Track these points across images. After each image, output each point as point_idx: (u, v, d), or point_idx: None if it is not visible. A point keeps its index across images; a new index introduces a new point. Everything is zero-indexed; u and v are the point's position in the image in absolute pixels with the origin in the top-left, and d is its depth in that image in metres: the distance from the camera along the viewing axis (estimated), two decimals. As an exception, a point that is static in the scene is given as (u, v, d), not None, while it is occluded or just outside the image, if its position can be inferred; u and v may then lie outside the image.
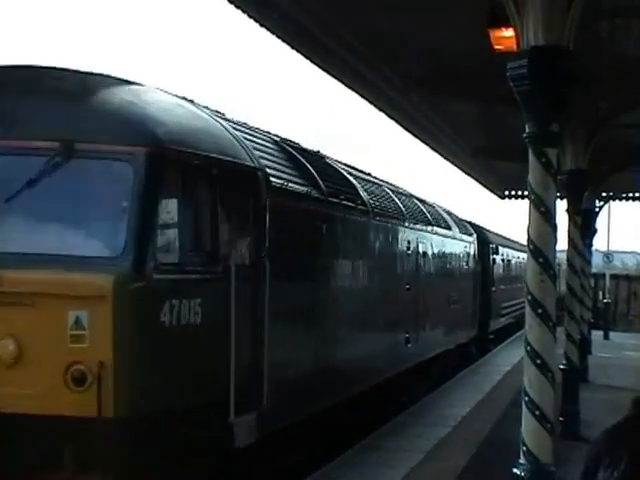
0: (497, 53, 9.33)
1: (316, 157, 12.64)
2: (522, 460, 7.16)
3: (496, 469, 10.24)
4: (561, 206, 13.23)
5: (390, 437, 12.90)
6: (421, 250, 17.00)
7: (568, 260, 14.89)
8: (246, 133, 9.76)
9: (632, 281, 47.05)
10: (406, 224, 15.95)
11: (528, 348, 7.21)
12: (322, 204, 11.15)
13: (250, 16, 11.37)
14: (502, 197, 31.90)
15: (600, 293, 42.74)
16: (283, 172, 10.12)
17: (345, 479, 10.48)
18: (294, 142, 12.14)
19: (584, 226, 17.13)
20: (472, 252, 24.00)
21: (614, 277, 45.84)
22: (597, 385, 19.27)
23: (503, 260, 32.55)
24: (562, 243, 14.33)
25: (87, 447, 6.90)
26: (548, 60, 7.07)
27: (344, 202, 12.09)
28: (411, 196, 18.50)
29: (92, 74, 8.07)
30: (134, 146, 7.41)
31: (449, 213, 22.85)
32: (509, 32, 8.00)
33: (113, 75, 8.22)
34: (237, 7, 11.01)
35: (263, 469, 9.61)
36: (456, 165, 26.53)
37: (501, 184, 30.66)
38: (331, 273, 11.55)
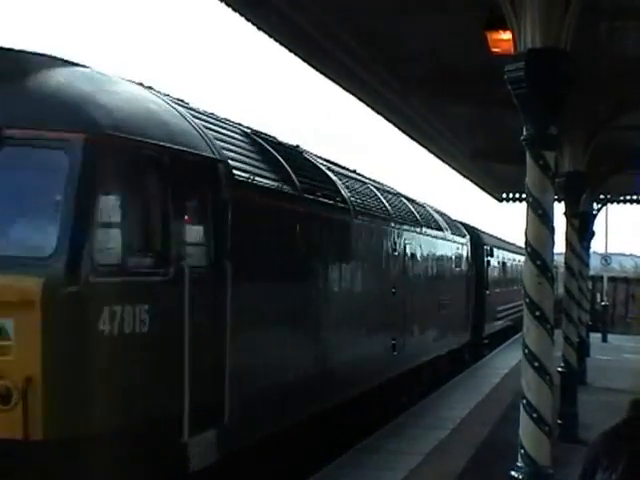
0: (494, 56, 9.45)
1: (292, 151, 11.79)
2: (520, 463, 7.19)
3: (495, 471, 10.08)
4: (559, 209, 13.55)
5: (390, 439, 12.83)
6: (409, 252, 16.14)
7: (566, 262, 14.87)
8: (208, 122, 8.90)
9: (630, 283, 47.81)
10: (392, 224, 15.12)
11: (526, 351, 7.27)
12: (295, 200, 10.26)
13: (247, 19, 11.23)
14: (500, 200, 31.67)
15: (598, 295, 43.37)
16: (250, 165, 9.26)
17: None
18: (268, 135, 11.29)
19: (582, 228, 17.18)
20: (465, 254, 23.24)
21: (612, 279, 46.83)
22: (595, 387, 19.27)
23: (499, 262, 31.85)
24: (560, 245, 14.65)
25: (11, 473, 6.10)
26: (545, 62, 7.08)
27: (321, 199, 11.22)
28: (399, 195, 17.63)
29: (28, 53, 7.20)
30: (70, 132, 6.58)
31: (441, 214, 22.07)
32: (506, 35, 8.09)
33: (53, 55, 7.37)
34: (234, 10, 10.87)
35: (263, 469, 8.91)
36: (454, 168, 26.35)
37: (499, 187, 30.44)
38: (305, 275, 10.66)
